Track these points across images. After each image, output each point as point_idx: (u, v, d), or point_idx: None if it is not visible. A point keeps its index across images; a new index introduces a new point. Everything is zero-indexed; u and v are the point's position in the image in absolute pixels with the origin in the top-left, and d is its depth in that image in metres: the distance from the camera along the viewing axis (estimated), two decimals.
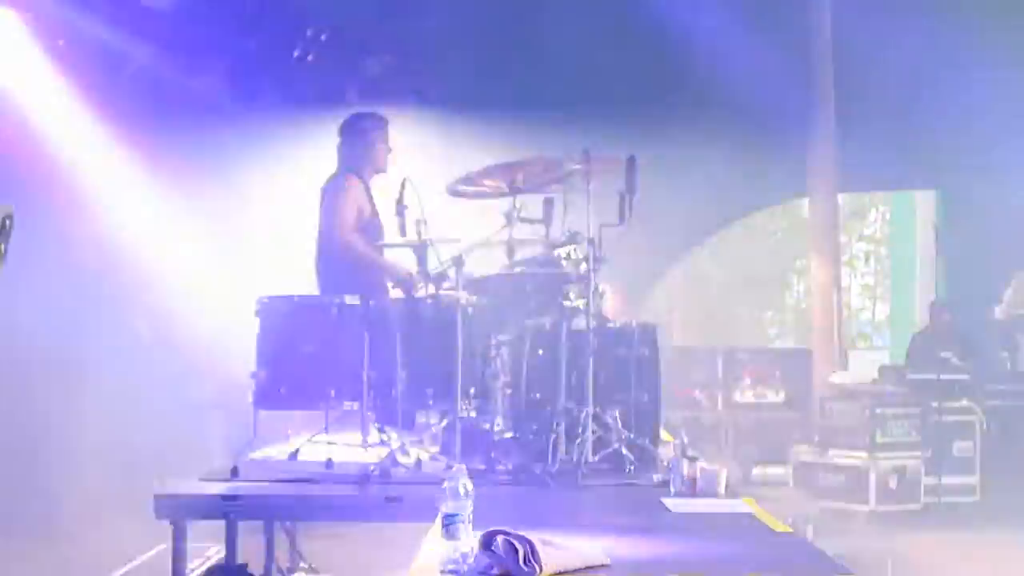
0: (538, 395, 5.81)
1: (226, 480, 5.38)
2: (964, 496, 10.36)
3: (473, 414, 5.60)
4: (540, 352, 5.86)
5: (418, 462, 5.52)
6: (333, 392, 5.56)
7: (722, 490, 4.94)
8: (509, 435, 5.77)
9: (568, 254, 5.97)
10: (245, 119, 10.88)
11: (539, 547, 3.24)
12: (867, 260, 27.27)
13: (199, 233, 11.01)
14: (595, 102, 11.86)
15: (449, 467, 3.45)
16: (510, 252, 6.12)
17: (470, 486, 3.31)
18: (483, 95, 11.77)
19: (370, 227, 6.49)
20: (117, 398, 10.02)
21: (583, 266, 5.83)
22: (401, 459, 5.43)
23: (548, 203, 6.12)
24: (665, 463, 5.31)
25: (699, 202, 13.61)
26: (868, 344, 26.06)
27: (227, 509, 5.03)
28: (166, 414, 10.40)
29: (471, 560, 3.26)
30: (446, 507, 3.28)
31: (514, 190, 6.02)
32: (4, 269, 3.94)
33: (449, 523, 3.28)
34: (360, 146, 6.62)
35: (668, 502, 4.77)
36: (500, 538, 3.25)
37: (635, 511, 4.73)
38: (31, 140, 8.56)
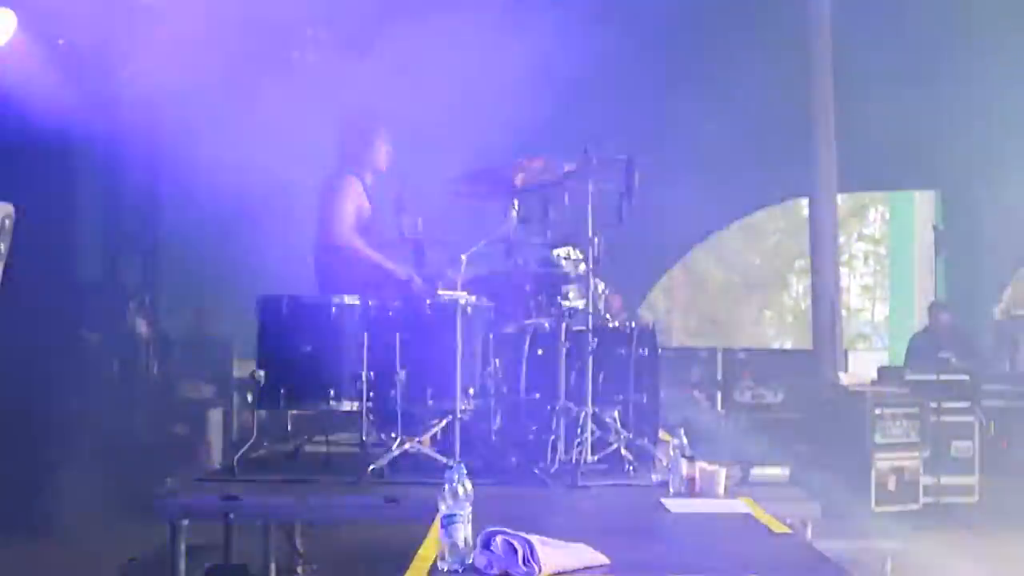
0: (537, 395, 5.81)
1: (225, 480, 5.38)
2: (963, 496, 10.36)
3: (472, 414, 5.59)
4: (539, 352, 5.86)
5: (417, 462, 5.52)
6: (332, 392, 5.56)
7: (721, 490, 4.94)
8: (508, 435, 5.77)
9: (567, 254, 5.98)
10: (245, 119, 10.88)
11: (538, 547, 3.24)
12: (866, 260, 27.28)
13: (198, 233, 11.02)
14: (594, 102, 11.87)
15: (448, 467, 3.44)
16: (509, 252, 6.12)
17: (469, 486, 3.31)
18: (482, 94, 11.77)
19: (369, 227, 6.49)
20: (116, 398, 10.03)
21: (582, 266, 5.84)
22: (400, 459, 5.43)
23: (547, 203, 6.12)
24: (664, 463, 5.31)
25: (699, 202, 13.62)
26: (867, 344, 26.07)
27: (226, 509, 5.03)
28: (165, 414, 10.42)
29: (470, 560, 3.26)
30: (445, 507, 3.28)
31: (513, 190, 6.02)
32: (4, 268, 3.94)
33: (448, 523, 3.27)
34: (359, 145, 6.61)
35: (667, 502, 4.77)
36: (499, 538, 3.25)
37: (634, 511, 4.74)
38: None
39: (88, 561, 7.37)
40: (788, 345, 24.57)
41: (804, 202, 14.23)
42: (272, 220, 10.33)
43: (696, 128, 12.32)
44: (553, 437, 5.50)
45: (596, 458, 5.47)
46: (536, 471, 5.29)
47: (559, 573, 3.26)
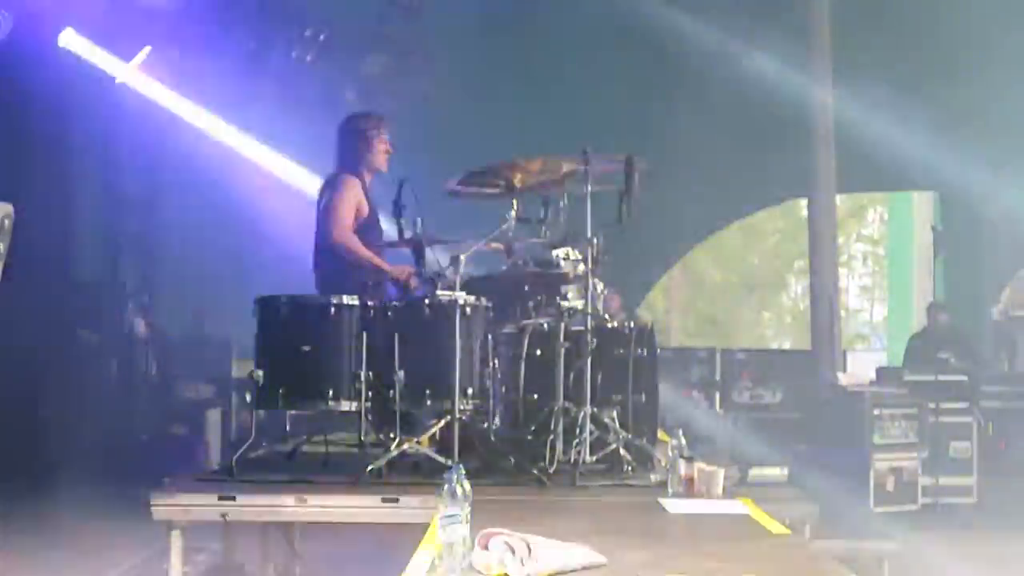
0: (536, 395, 5.81)
1: (223, 480, 5.38)
2: (962, 497, 10.36)
3: (471, 414, 5.59)
4: (538, 352, 5.86)
5: (415, 463, 5.52)
6: (331, 392, 5.55)
7: (719, 491, 4.94)
8: (507, 435, 5.77)
9: (566, 254, 5.98)
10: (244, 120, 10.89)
11: (536, 548, 3.24)
12: (865, 261, 27.30)
13: (197, 233, 11.03)
14: (594, 102, 11.87)
15: (447, 468, 3.44)
16: (508, 252, 6.13)
17: (468, 487, 3.30)
18: (481, 95, 11.78)
19: (368, 227, 6.49)
20: (115, 397, 10.04)
21: (581, 266, 5.84)
22: (398, 460, 5.43)
23: (546, 203, 6.12)
24: (663, 463, 5.31)
25: (698, 203, 13.63)
26: (866, 345, 26.09)
27: (224, 509, 5.03)
28: (164, 413, 10.42)
29: (468, 561, 3.26)
30: (444, 508, 3.28)
31: (512, 190, 6.02)
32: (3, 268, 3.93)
33: (446, 524, 3.27)
34: (358, 146, 6.61)
35: (665, 503, 4.76)
36: (498, 539, 3.25)
37: (632, 512, 4.73)
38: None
39: (85, 561, 7.37)
40: (787, 345, 24.58)
41: (803, 203, 14.25)
42: (271, 220, 10.34)
43: (695, 128, 12.32)
44: (552, 437, 5.49)
45: (595, 458, 5.46)
46: (535, 471, 5.29)
47: (557, 573, 3.26)
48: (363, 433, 5.55)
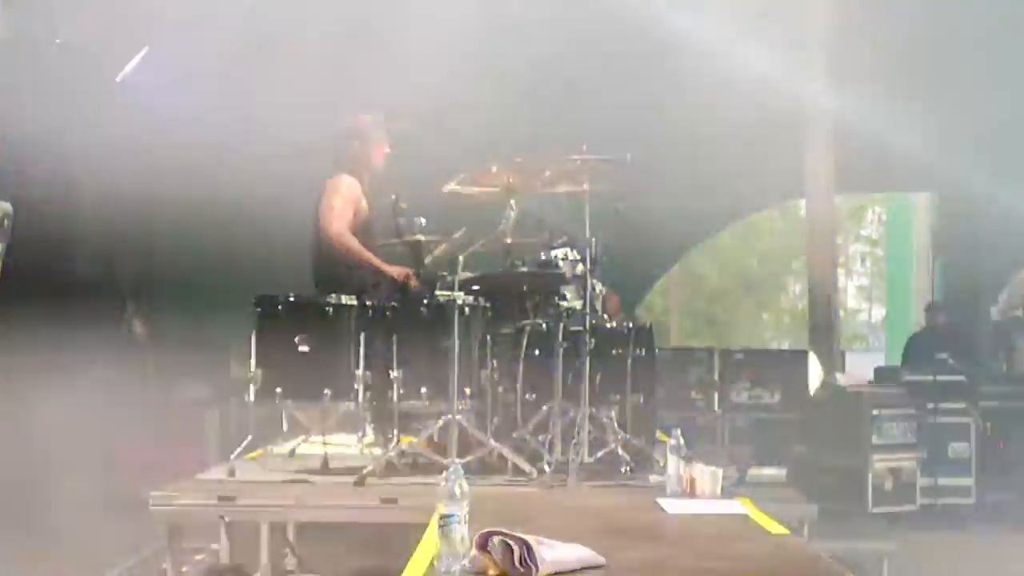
0: (534, 395, 5.82)
1: (222, 480, 5.38)
2: (960, 498, 10.35)
3: (469, 414, 5.59)
4: (536, 352, 5.87)
5: (414, 462, 5.53)
6: (329, 392, 5.56)
7: (718, 491, 4.94)
8: (505, 435, 5.77)
9: (564, 255, 5.98)
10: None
11: (535, 547, 3.24)
12: (864, 261, 27.32)
13: (195, 232, 11.01)
14: (593, 102, 11.87)
15: (445, 467, 3.44)
16: (506, 252, 6.13)
17: (466, 486, 3.31)
18: (480, 95, 11.77)
19: (366, 227, 6.49)
20: (113, 397, 10.02)
21: (579, 267, 5.84)
22: (397, 459, 5.43)
23: (545, 203, 6.12)
24: (661, 464, 5.31)
25: (696, 203, 13.63)
26: (864, 345, 26.11)
27: (223, 509, 5.03)
28: (162, 413, 10.40)
29: (467, 560, 3.26)
30: (442, 507, 3.28)
31: (511, 190, 6.02)
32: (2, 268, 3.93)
33: (445, 523, 3.27)
34: (356, 146, 6.61)
35: (664, 502, 4.77)
36: (496, 538, 3.25)
37: (631, 512, 4.73)
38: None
39: (84, 561, 7.36)
40: (785, 346, 24.58)
41: (802, 203, 14.24)
42: (270, 219, 10.33)
43: (694, 128, 12.32)
44: (550, 437, 5.50)
45: (593, 458, 5.47)
46: (533, 471, 5.29)
47: (556, 573, 3.26)
48: (362, 433, 5.55)
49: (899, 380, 11.04)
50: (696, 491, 4.90)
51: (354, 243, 6.34)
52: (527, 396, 5.84)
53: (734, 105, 12.24)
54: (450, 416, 5.41)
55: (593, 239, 5.68)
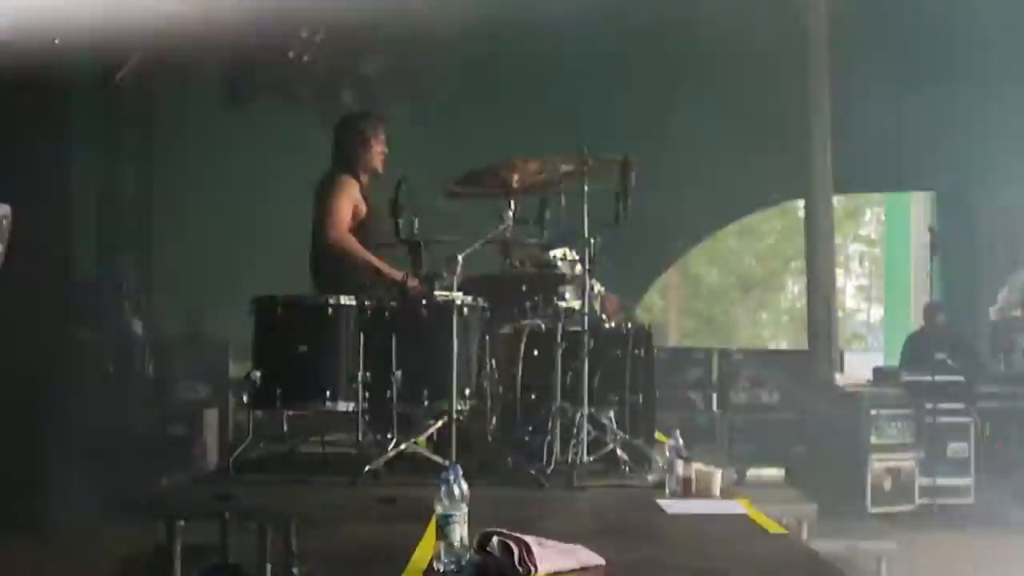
0: (533, 396, 5.81)
1: (221, 480, 5.38)
2: (959, 498, 10.36)
3: (468, 415, 5.59)
4: (535, 353, 5.86)
5: (413, 463, 5.52)
6: (328, 392, 5.55)
7: (717, 491, 4.95)
8: (504, 436, 5.77)
9: (563, 255, 5.98)
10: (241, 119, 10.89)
11: (534, 548, 3.24)
12: (862, 261, 27.31)
13: (194, 232, 11.02)
14: (592, 102, 11.87)
15: (444, 468, 3.44)
16: (505, 253, 6.13)
17: (465, 487, 3.31)
18: (479, 95, 11.78)
19: (365, 227, 6.48)
20: (112, 396, 10.02)
21: (578, 267, 5.84)
22: (396, 460, 5.43)
23: (544, 203, 6.12)
24: (660, 464, 5.31)
25: (695, 203, 13.62)
26: (863, 345, 26.10)
27: (222, 509, 5.02)
28: (161, 414, 10.40)
29: (466, 561, 3.26)
30: (441, 508, 3.28)
31: (510, 190, 6.02)
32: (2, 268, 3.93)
33: (444, 524, 3.27)
34: (355, 146, 6.61)
35: (663, 503, 4.77)
36: (495, 539, 3.25)
37: (630, 512, 4.73)
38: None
39: (84, 561, 7.35)
40: (784, 346, 24.58)
41: (800, 203, 14.24)
42: (268, 220, 10.34)
43: (693, 129, 12.32)
44: (549, 438, 5.50)
45: (592, 459, 5.47)
46: (532, 472, 5.29)
47: (555, 573, 3.26)
48: (361, 434, 5.55)
49: (898, 380, 11.05)
50: (695, 491, 4.90)
51: (353, 244, 6.33)
52: (526, 396, 5.83)
53: (733, 104, 12.26)
54: (449, 417, 5.41)
55: (592, 239, 5.68)
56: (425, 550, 3.54)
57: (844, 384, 11.39)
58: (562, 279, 5.92)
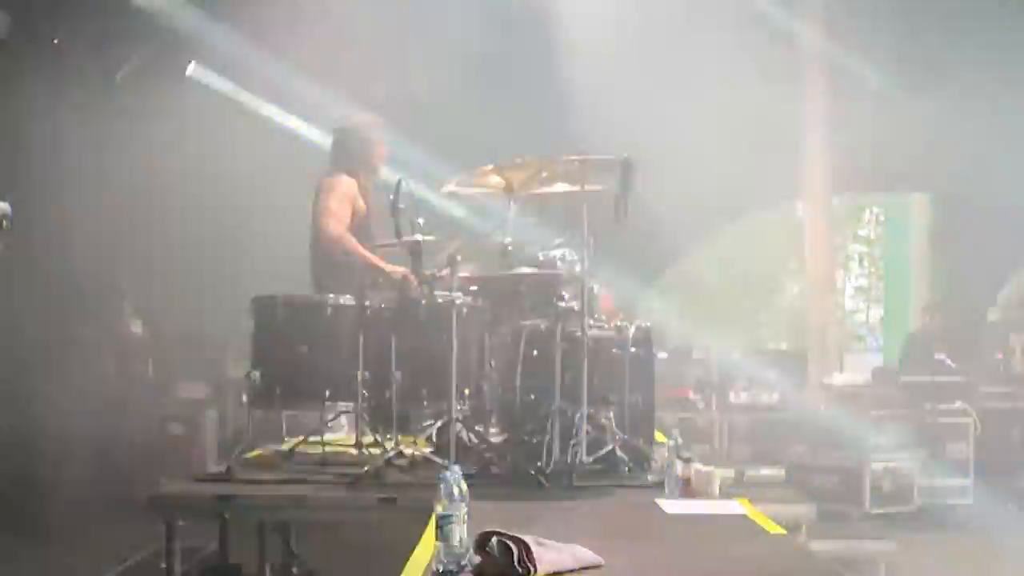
0: (532, 396, 5.81)
1: (220, 480, 5.38)
2: (958, 498, 10.36)
3: (468, 415, 5.59)
4: (534, 353, 5.86)
5: (412, 463, 5.52)
6: (327, 392, 5.56)
7: (716, 491, 4.95)
8: (504, 436, 5.77)
9: (563, 255, 5.98)
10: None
11: (533, 548, 3.24)
12: (861, 262, 27.28)
13: (193, 232, 11.01)
14: (591, 102, 11.86)
15: (444, 468, 3.44)
16: (504, 253, 6.13)
17: (465, 487, 3.31)
18: (478, 95, 11.77)
19: (364, 227, 6.49)
20: (111, 396, 10.01)
21: (577, 267, 5.84)
22: (395, 460, 5.43)
23: (543, 204, 6.12)
24: (659, 464, 5.31)
25: (694, 204, 13.62)
26: (862, 346, 26.07)
27: (221, 509, 5.03)
28: (161, 414, 10.40)
29: (465, 561, 3.26)
30: (441, 508, 3.28)
31: (509, 191, 6.03)
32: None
33: (444, 524, 3.27)
34: (354, 146, 6.61)
35: (662, 503, 4.77)
36: (495, 539, 3.25)
37: (629, 512, 4.74)
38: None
39: (82, 561, 7.36)
40: (783, 346, 24.56)
41: (800, 204, 14.25)
42: (267, 219, 10.33)
43: (692, 129, 12.32)
44: (548, 438, 5.49)
45: (592, 459, 5.46)
46: (532, 472, 5.29)
47: (554, 573, 3.26)
48: (360, 434, 5.55)
49: (897, 381, 11.05)
50: (695, 491, 4.90)
51: (353, 243, 6.34)
52: (525, 397, 5.83)
53: (733, 105, 12.25)
54: (448, 417, 5.41)
55: (591, 240, 5.68)
56: (425, 550, 3.54)
57: (843, 384, 11.39)
58: (561, 279, 5.92)
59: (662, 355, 10.00)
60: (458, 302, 5.49)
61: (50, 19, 8.69)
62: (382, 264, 6.31)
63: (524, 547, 3.23)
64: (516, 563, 3.20)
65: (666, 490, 4.94)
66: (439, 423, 5.50)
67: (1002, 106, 11.98)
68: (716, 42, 11.89)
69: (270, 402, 5.59)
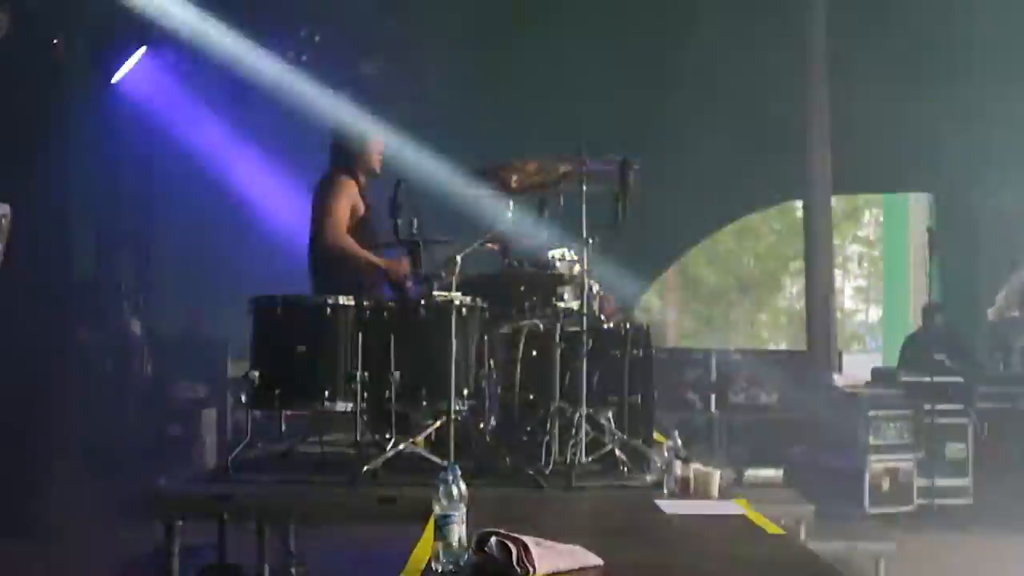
0: (531, 396, 5.82)
1: (219, 480, 5.38)
2: (957, 498, 10.36)
3: (467, 415, 5.59)
4: (534, 353, 5.86)
5: (411, 463, 5.52)
6: (326, 392, 5.55)
7: (715, 492, 4.95)
8: (503, 436, 5.77)
9: (562, 255, 5.98)
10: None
11: (532, 548, 3.24)
12: (861, 262, 27.30)
13: (192, 232, 11.02)
14: (590, 103, 11.87)
15: (443, 468, 3.44)
16: (504, 253, 6.13)
17: (464, 487, 3.31)
18: (478, 95, 11.78)
19: (363, 227, 6.49)
20: (109, 396, 10.02)
21: (577, 267, 5.84)
22: (394, 460, 5.43)
23: (542, 204, 6.12)
24: (659, 464, 5.31)
25: (693, 204, 13.63)
26: (861, 346, 26.11)
27: (220, 509, 5.02)
28: (159, 414, 10.40)
29: (464, 561, 3.26)
30: (440, 508, 3.28)
31: (509, 191, 6.03)
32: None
33: (443, 524, 3.27)
34: (353, 146, 6.62)
35: (661, 503, 4.77)
36: (493, 539, 3.25)
37: (628, 512, 4.74)
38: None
39: (82, 561, 7.36)
40: (783, 346, 24.59)
41: (799, 204, 14.25)
42: (266, 220, 10.34)
43: (691, 129, 12.32)
44: (547, 438, 5.50)
45: (591, 459, 5.47)
46: (531, 472, 5.29)
47: (553, 574, 3.26)
48: (359, 434, 5.55)
49: (896, 381, 11.04)
50: (693, 492, 4.90)
51: (351, 245, 6.34)
52: (524, 397, 5.84)
53: (732, 105, 12.26)
54: (448, 417, 5.41)
55: (591, 240, 5.68)
56: (424, 550, 3.54)
57: (842, 385, 11.38)
58: (560, 279, 5.92)
59: (661, 355, 10.01)
60: (457, 302, 5.49)
61: (50, 19, 8.69)
62: (381, 262, 6.31)
63: (523, 547, 3.23)
64: (515, 563, 3.20)
65: (665, 490, 4.94)
66: (438, 423, 5.49)
67: (1002, 106, 11.99)
68: (717, 41, 11.92)
69: (269, 402, 5.59)
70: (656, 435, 6.07)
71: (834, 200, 13.14)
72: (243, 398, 5.58)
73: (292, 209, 7.39)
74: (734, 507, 4.74)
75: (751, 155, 12.77)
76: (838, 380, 11.61)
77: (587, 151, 5.62)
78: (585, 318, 5.64)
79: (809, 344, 12.26)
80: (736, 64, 11.91)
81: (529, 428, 5.69)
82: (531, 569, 3.20)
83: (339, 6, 10.85)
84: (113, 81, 10.36)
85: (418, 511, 4.36)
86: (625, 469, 5.48)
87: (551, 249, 6.00)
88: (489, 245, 6.04)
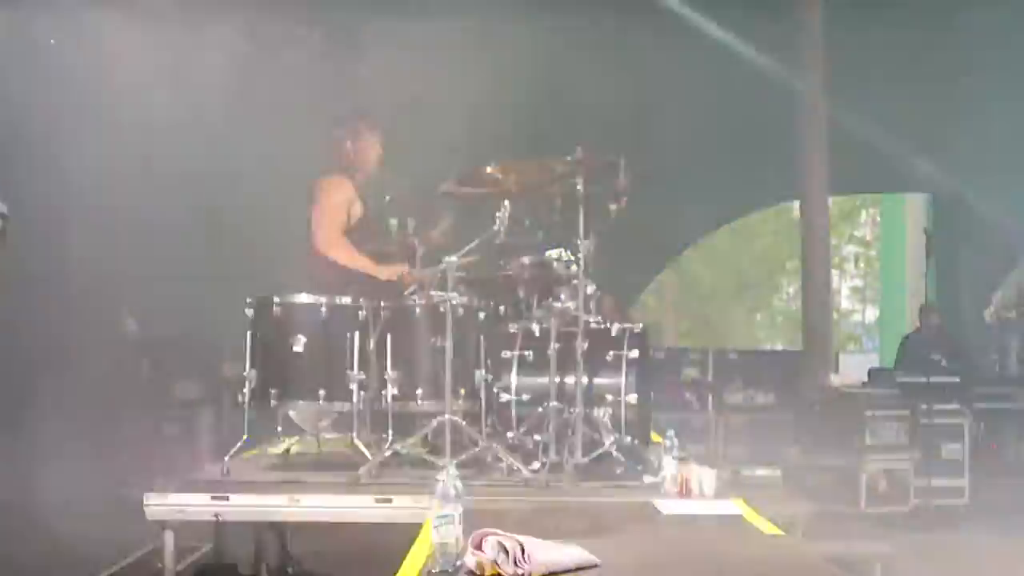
0: (529, 396, 5.82)
1: (216, 480, 5.38)
2: (953, 498, 10.36)
3: (464, 415, 5.59)
4: (530, 353, 5.87)
5: (408, 463, 5.53)
6: (324, 392, 5.55)
7: (712, 491, 4.95)
8: (499, 436, 5.77)
9: (558, 255, 5.98)
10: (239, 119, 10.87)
11: (529, 548, 3.24)
12: (857, 263, 27.33)
13: (193, 232, 11.01)
14: (589, 103, 11.87)
15: (439, 468, 3.44)
16: (501, 253, 6.13)
17: (461, 487, 3.31)
18: (477, 95, 11.77)
19: (361, 227, 6.48)
20: (107, 396, 10.01)
21: (574, 268, 5.84)
22: (391, 460, 5.43)
23: (540, 204, 6.12)
24: (655, 464, 5.31)
25: (690, 205, 13.64)
26: (858, 346, 26.14)
27: (216, 509, 5.03)
28: (156, 413, 10.40)
29: (461, 561, 3.26)
30: (437, 508, 3.29)
31: (506, 191, 6.02)
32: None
33: (439, 524, 3.28)
34: (349, 146, 6.61)
35: (658, 503, 4.77)
36: (491, 539, 3.26)
37: (625, 512, 4.74)
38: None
39: (78, 561, 7.35)
40: (779, 346, 24.64)
41: (795, 204, 14.26)
42: (264, 219, 10.33)
43: (688, 130, 12.33)
44: (545, 438, 5.50)
45: (588, 459, 5.47)
46: (528, 472, 5.30)
47: (550, 573, 3.27)
48: (356, 434, 5.55)
49: (893, 381, 11.05)
50: (690, 492, 4.91)
51: (345, 252, 6.32)
52: (521, 396, 5.84)
53: (729, 105, 12.26)
54: (445, 416, 5.41)
55: (587, 240, 5.68)
56: (420, 550, 3.55)
57: (839, 385, 11.39)
58: (557, 280, 5.93)
59: (658, 355, 10.03)
60: (453, 302, 5.50)
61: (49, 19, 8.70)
62: (375, 270, 6.30)
63: (520, 547, 3.23)
64: (512, 563, 3.20)
65: (662, 490, 4.95)
66: (435, 423, 5.50)
67: (1000, 107, 12.00)
68: (712, 41, 11.92)
69: (266, 402, 5.59)
70: (653, 435, 6.07)
71: (831, 200, 13.15)
72: (240, 398, 5.59)
73: (290, 208, 7.37)
74: (731, 507, 4.75)
75: (748, 155, 12.78)
76: (835, 380, 11.62)
77: (584, 151, 5.62)
78: (581, 318, 5.65)
79: (806, 344, 12.26)
80: (735, 64, 11.91)
81: (526, 428, 5.69)
82: (528, 569, 3.20)
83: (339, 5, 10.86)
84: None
85: (415, 511, 4.37)
86: (622, 469, 5.48)
87: (547, 250, 6.00)
88: (485, 246, 6.04)
